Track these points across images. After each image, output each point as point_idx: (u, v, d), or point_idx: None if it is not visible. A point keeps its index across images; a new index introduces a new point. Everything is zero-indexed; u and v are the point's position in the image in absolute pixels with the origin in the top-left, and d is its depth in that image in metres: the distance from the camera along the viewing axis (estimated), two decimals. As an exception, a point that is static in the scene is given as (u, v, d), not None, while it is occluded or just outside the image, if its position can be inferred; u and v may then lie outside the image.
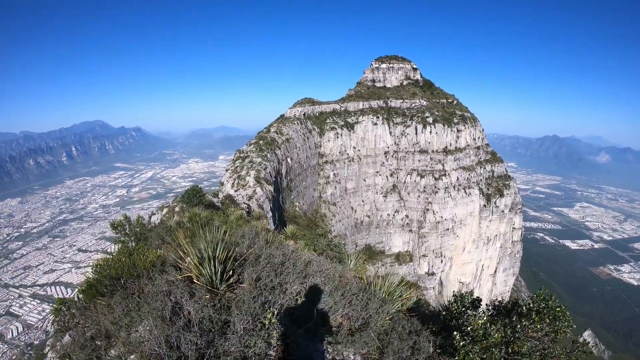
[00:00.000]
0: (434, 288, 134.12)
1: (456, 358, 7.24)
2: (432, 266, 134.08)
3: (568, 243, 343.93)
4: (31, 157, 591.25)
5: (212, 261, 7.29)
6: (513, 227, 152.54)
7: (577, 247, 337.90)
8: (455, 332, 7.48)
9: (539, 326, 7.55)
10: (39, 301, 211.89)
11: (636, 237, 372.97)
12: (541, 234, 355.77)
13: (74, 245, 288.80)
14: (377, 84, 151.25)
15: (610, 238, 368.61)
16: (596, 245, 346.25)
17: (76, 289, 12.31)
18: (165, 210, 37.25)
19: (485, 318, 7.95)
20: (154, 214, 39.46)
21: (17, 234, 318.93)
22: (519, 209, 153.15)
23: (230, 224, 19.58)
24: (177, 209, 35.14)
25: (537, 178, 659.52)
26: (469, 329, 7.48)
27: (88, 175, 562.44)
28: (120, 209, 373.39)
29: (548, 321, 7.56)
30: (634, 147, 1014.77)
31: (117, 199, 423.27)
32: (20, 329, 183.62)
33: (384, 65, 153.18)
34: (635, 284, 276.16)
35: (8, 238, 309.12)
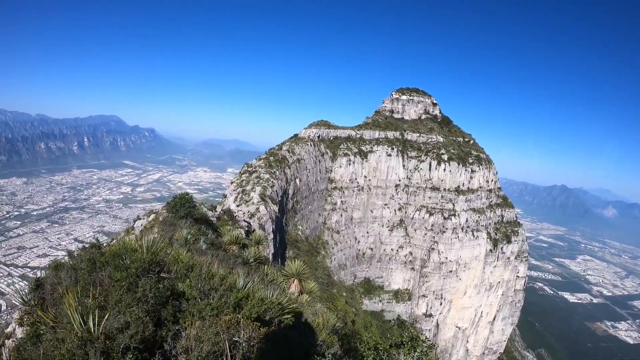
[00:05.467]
0: (429, 330, 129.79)
1: None
2: (431, 307, 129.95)
3: (567, 295, 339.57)
4: (43, 141, 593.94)
5: None
6: (517, 275, 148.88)
7: (576, 301, 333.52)
8: None
9: None
10: (27, 283, 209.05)
11: (636, 295, 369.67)
12: (540, 284, 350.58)
13: (71, 234, 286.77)
14: (395, 115, 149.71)
15: (610, 294, 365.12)
16: (595, 300, 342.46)
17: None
18: (152, 216, 33.35)
19: None
20: (140, 218, 35.49)
21: (17, 213, 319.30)
22: (524, 257, 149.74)
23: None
24: (161, 217, 31.17)
25: (542, 227, 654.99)
26: None
27: (96, 167, 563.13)
28: (123, 206, 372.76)
29: None
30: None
31: (121, 195, 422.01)
32: (4, 307, 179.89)
33: (404, 97, 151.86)
34: (631, 342, 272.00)
35: (7, 216, 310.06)
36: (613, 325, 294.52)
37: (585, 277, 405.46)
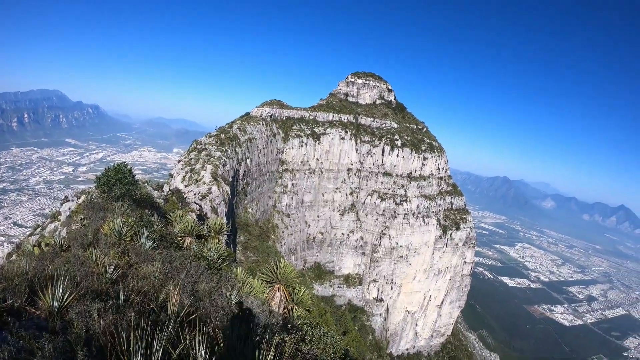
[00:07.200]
0: (380, 314, 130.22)
1: None
2: (382, 292, 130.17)
3: (506, 280, 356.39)
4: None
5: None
6: (464, 261, 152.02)
7: (515, 285, 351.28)
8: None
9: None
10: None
11: (571, 281, 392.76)
12: (481, 269, 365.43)
13: (10, 218, 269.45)
14: (350, 99, 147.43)
15: (547, 279, 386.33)
16: (533, 285, 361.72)
17: None
18: (83, 197, 26.85)
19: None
20: (68, 200, 29.59)
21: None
22: (472, 243, 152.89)
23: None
24: (93, 197, 24.68)
25: (484, 215, 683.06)
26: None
27: (36, 146, 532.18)
28: (64, 187, 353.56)
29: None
30: (579, 198, 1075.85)
31: (62, 175, 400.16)
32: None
33: (359, 81, 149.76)
34: (567, 324, 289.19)
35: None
36: (550, 308, 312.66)
37: (524, 263, 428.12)
